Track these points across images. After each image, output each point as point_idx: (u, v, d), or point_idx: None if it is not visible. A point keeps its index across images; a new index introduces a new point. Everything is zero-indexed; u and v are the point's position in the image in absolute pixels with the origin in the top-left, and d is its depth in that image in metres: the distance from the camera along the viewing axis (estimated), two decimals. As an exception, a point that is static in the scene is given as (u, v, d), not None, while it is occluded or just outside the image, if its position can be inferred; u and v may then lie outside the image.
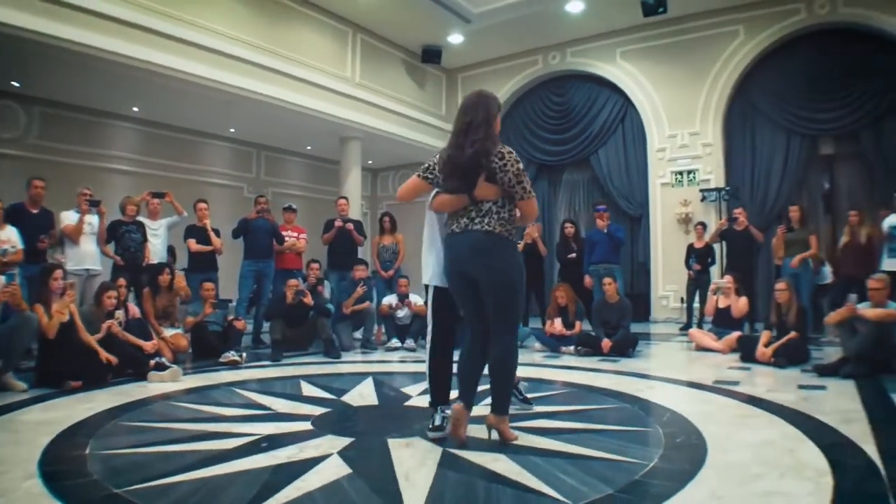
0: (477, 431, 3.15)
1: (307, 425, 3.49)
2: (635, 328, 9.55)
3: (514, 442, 3.02)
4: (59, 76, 8.72)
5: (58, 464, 2.79)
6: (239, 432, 3.34)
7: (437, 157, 3.21)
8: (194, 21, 8.75)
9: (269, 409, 4.03)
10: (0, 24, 6.74)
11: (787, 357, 5.55)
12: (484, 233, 2.99)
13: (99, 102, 10.19)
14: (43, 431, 3.34)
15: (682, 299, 10.01)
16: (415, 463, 2.73)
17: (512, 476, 2.52)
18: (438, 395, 3.41)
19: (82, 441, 3.17)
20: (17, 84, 9.17)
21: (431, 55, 12.40)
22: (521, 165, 3.02)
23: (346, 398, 4.34)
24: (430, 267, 3.42)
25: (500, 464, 2.69)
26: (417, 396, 4.34)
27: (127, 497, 2.36)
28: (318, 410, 3.91)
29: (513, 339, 3.10)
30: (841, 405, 3.90)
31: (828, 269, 8.18)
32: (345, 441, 3.12)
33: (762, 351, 5.71)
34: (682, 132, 10.97)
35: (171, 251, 8.59)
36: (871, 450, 2.86)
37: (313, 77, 10.37)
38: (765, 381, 4.92)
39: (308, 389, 4.69)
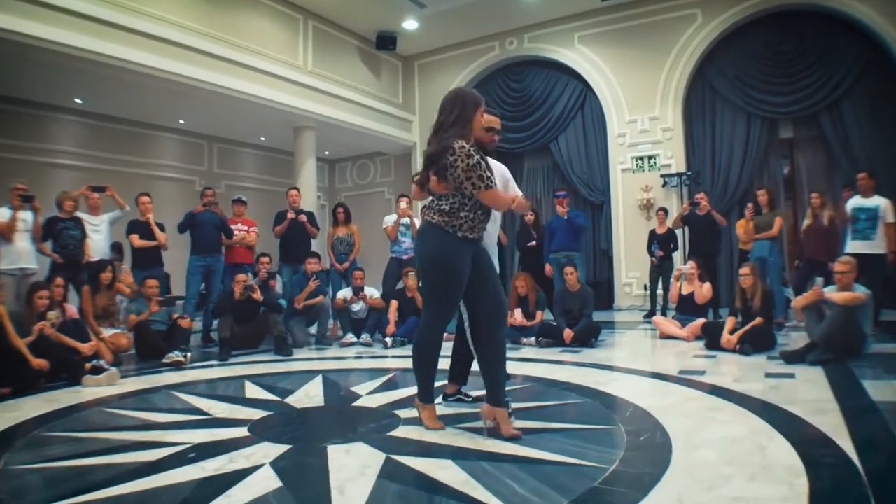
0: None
1: (244, 431, 3.22)
2: (599, 316, 9.41)
3: (463, 445, 2.79)
4: (-5, 67, 8.21)
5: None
6: (169, 441, 3.08)
7: None
8: (138, 8, 8.28)
9: (206, 413, 3.75)
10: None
11: (753, 344, 5.39)
12: (424, 222, 3.13)
13: (39, 94, 9.64)
14: (-46, 444, 3.05)
15: (645, 286, 9.90)
16: (353, 473, 2.47)
17: (457, 486, 2.27)
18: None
19: (-3, 454, 2.90)
20: (-53, 77, 8.61)
21: (386, 42, 12.05)
22: (472, 161, 2.93)
23: (291, 399, 4.05)
24: None
25: (446, 472, 2.44)
26: (367, 395, 4.09)
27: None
28: (258, 414, 3.62)
29: (431, 324, 3.13)
30: (811, 394, 3.74)
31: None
32: (281, 449, 2.85)
33: (727, 338, 5.55)
34: (641, 117, 10.81)
35: (117, 247, 8.22)
36: (845, 444, 2.67)
37: (263, 65, 9.95)
38: (731, 369, 4.76)
39: (252, 391, 4.40)
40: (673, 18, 10.54)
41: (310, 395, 4.17)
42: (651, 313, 8.91)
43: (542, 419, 3.29)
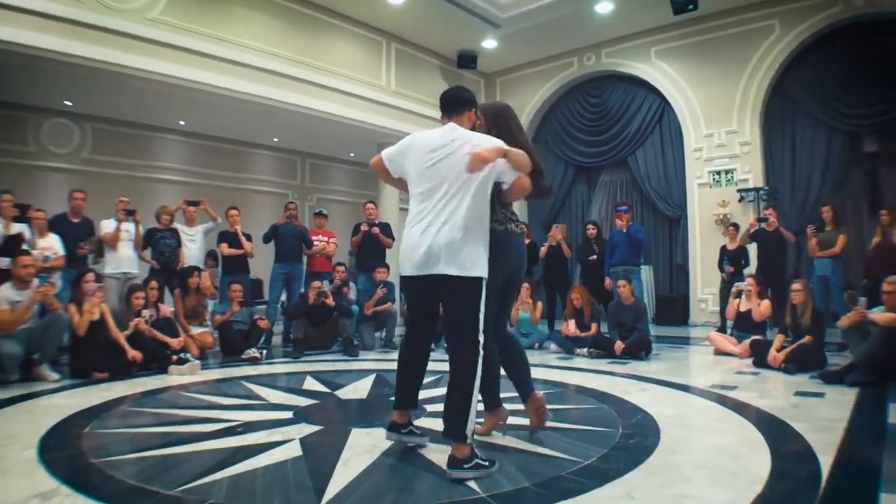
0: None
1: (289, 414, 3.72)
2: (673, 332, 9.47)
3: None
4: (107, 95, 9.31)
5: (57, 439, 3.21)
6: (224, 418, 3.64)
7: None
8: (230, 38, 9.08)
9: (263, 399, 4.30)
10: (53, 51, 7.30)
11: (799, 363, 5.32)
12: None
13: (146, 117, 10.76)
14: (55, 413, 3.77)
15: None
16: (362, 450, 2.89)
17: (443, 465, 2.62)
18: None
19: (86, 421, 3.61)
20: (69, 103, 9.82)
21: (467, 60, 12.48)
22: None
23: (339, 392, 4.55)
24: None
25: (439, 454, 2.79)
26: (406, 392, 4.50)
27: (98, 466, 2.73)
28: (306, 402, 4.14)
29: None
30: (827, 413, 3.72)
31: None
32: (313, 429, 3.34)
33: (773, 356, 5.54)
34: (718, 131, 10.70)
35: (213, 255, 9.04)
36: (826, 461, 2.72)
37: (347, 86, 10.62)
38: (765, 386, 4.80)
39: (310, 384, 4.91)
40: (750, 30, 10.36)
41: (357, 390, 4.64)
42: (722, 329, 8.82)
43: (551, 419, 3.54)
